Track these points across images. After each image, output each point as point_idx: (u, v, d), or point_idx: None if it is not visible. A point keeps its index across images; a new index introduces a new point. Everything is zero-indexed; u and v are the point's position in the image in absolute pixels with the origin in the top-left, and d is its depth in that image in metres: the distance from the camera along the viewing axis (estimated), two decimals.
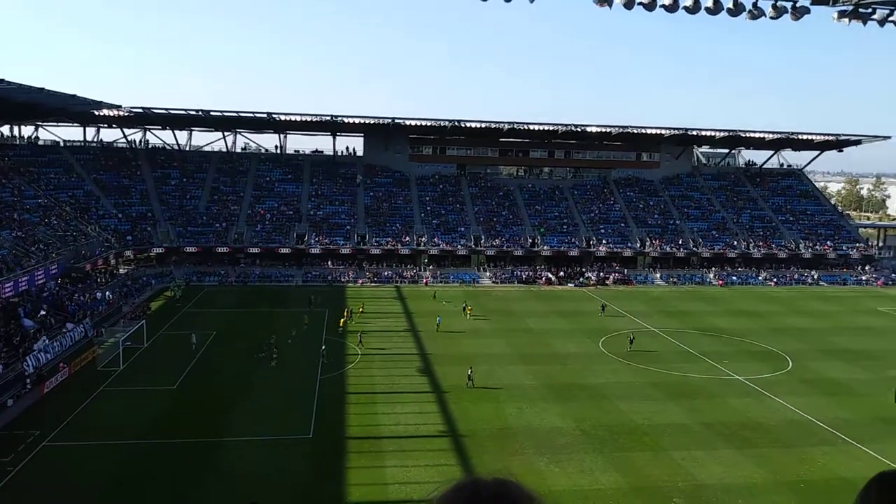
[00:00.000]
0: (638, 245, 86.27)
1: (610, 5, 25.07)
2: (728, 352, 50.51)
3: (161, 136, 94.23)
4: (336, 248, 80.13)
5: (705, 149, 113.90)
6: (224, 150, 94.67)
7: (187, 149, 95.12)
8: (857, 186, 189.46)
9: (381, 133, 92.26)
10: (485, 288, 75.13)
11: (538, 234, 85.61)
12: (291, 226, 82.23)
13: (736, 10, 24.75)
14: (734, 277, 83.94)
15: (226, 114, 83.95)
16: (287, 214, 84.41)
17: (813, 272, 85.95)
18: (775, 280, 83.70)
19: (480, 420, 35.40)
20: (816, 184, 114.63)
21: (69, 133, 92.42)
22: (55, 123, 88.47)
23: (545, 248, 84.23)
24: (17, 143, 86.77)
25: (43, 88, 57.79)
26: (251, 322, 56.51)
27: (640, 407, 37.93)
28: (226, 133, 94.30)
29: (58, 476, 28.31)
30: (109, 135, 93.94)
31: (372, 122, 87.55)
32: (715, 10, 24.81)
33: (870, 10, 24.85)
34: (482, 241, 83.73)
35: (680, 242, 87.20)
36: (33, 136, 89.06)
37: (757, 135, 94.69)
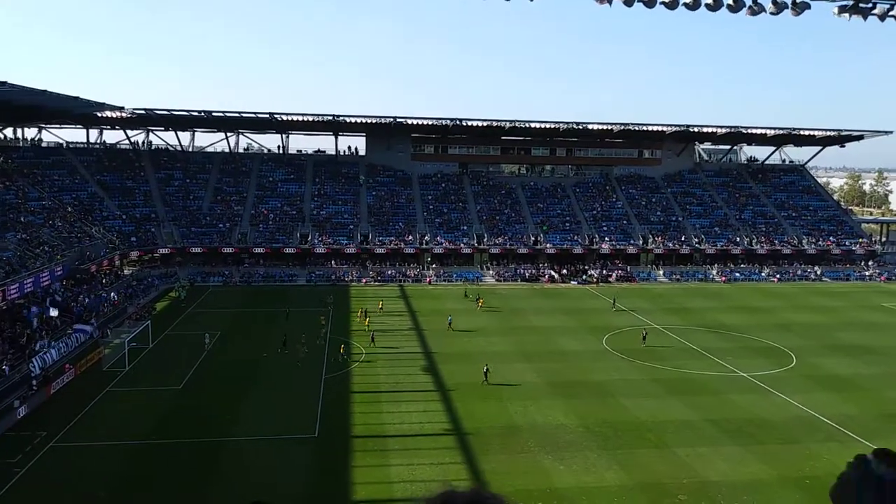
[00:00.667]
0: (640, 242, 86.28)
1: (610, 3, 25.08)
2: (732, 348, 50.55)
3: (164, 138, 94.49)
4: (340, 248, 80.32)
5: (707, 145, 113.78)
6: (227, 150, 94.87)
7: (190, 150, 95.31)
8: (860, 182, 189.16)
9: (384, 132, 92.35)
10: (488, 286, 75.20)
11: (541, 232, 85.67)
12: (295, 226, 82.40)
13: (736, 6, 24.73)
14: (737, 274, 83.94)
15: (228, 114, 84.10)
16: (290, 214, 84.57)
17: (816, 268, 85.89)
18: (778, 276, 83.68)
19: (485, 418, 35.49)
20: (819, 179, 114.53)
21: (72, 135, 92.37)
22: (58, 125, 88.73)
23: (548, 245, 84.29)
24: (21, 145, 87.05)
25: (46, 91, 57.99)
26: (256, 322, 56.66)
27: (644, 404, 37.99)
28: (228, 134, 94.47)
29: (65, 477, 28.46)
30: (112, 136, 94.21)
31: (374, 121, 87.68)
32: (715, 6, 24.82)
33: (870, 5, 24.82)
34: (485, 240, 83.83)
35: (682, 239, 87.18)
36: (37, 139, 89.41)
37: (758, 131, 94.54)
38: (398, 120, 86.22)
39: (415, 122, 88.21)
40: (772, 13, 25.09)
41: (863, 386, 42.17)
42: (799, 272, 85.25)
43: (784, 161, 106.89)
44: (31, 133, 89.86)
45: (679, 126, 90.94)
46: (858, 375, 44.29)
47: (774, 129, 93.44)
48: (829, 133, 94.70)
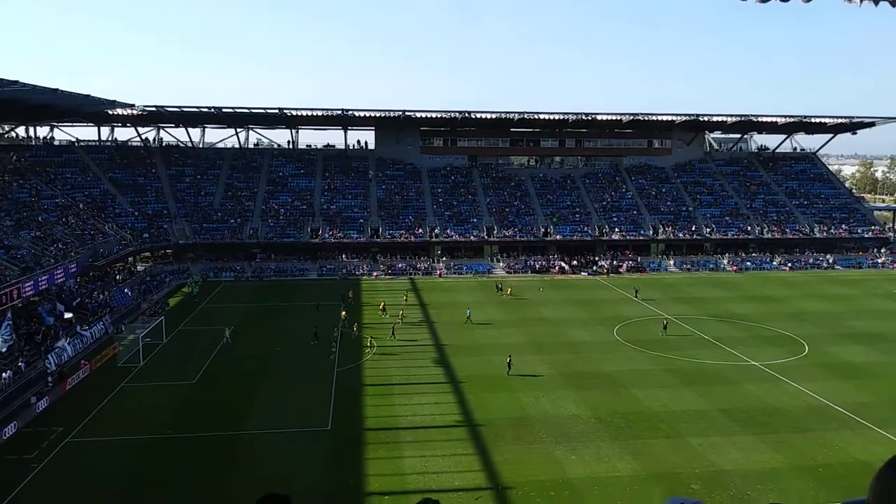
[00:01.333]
0: (651, 232, 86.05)
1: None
2: (743, 337, 50.44)
3: (175, 134, 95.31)
4: (350, 242, 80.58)
5: (717, 134, 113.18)
6: (237, 146, 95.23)
7: (201, 146, 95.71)
8: (872, 169, 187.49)
9: (392, 126, 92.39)
10: (498, 278, 75.21)
11: (550, 224, 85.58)
12: (305, 220, 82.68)
13: None
14: (748, 263, 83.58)
15: (238, 110, 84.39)
16: (301, 209, 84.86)
17: (828, 256, 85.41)
18: (790, 265, 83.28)
19: (497, 409, 35.63)
20: (830, 167, 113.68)
21: (84, 133, 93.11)
22: (70, 123, 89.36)
23: (557, 237, 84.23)
24: (34, 143, 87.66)
25: (57, 89, 58.42)
26: (269, 317, 56.94)
27: (656, 394, 38.02)
28: (238, 129, 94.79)
29: (81, 471, 28.81)
30: (124, 134, 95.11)
31: (383, 115, 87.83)
32: None
33: None
34: (495, 232, 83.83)
35: (693, 229, 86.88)
36: (49, 137, 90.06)
37: (769, 119, 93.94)
38: (407, 113, 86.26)
39: (423, 115, 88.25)
40: (781, 0, 24.92)
41: (876, 374, 42.02)
42: (811, 260, 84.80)
43: (795, 149, 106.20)
44: (43, 132, 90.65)
45: (689, 115, 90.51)
46: (871, 363, 44.12)
47: (785, 116, 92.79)
48: (840, 120, 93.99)
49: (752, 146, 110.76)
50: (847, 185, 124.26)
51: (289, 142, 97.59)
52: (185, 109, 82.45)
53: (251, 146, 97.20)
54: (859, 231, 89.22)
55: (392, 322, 53.13)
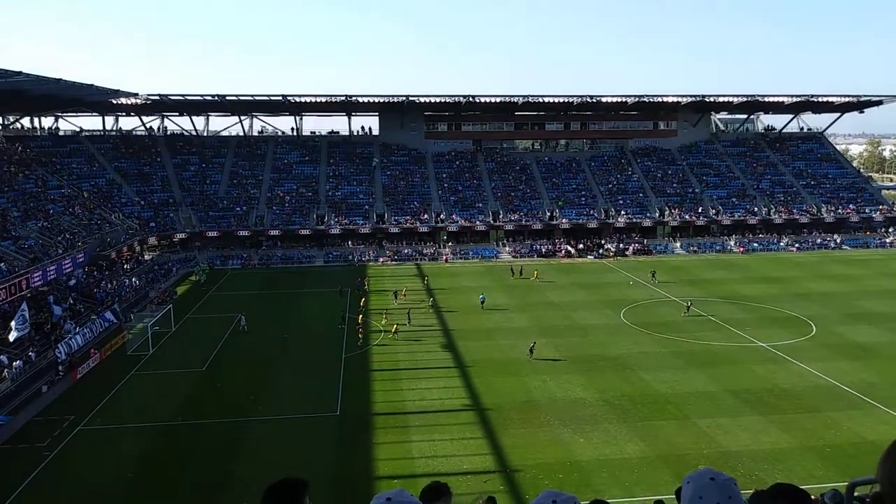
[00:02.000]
0: (657, 215, 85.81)
1: None
2: (751, 319, 50.37)
3: (179, 123, 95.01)
4: (355, 228, 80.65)
5: (723, 115, 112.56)
6: (241, 134, 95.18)
7: (205, 134, 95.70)
8: (880, 148, 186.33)
9: (396, 111, 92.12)
10: (505, 263, 75.22)
11: (556, 208, 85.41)
12: (311, 207, 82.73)
13: None
14: (755, 244, 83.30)
15: (241, 98, 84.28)
16: (306, 196, 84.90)
17: (835, 236, 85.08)
18: (797, 245, 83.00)
19: (504, 393, 35.75)
20: (837, 146, 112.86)
21: (88, 123, 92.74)
22: (74, 114, 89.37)
23: (564, 220, 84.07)
24: (39, 134, 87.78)
25: (60, 79, 58.39)
26: (276, 304, 57.14)
27: (663, 376, 38.07)
28: (242, 117, 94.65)
29: (93, 459, 29.08)
30: (128, 123, 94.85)
31: (386, 100, 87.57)
32: None
33: None
34: (500, 217, 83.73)
35: (699, 211, 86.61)
36: (54, 127, 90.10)
37: (776, 99, 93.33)
38: (411, 98, 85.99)
39: (427, 100, 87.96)
40: None
41: (884, 353, 41.92)
42: (818, 241, 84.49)
43: (802, 129, 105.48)
44: (47, 122, 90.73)
45: (694, 96, 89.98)
46: (879, 343, 44.02)
47: (792, 96, 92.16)
48: (848, 99, 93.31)
49: (759, 126, 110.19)
50: (854, 164, 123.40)
51: (293, 129, 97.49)
52: (188, 97, 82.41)
53: (255, 134, 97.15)
54: (867, 211, 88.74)
55: (407, 304, 53.69)
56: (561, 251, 79.80)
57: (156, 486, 26.72)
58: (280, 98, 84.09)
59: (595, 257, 78.53)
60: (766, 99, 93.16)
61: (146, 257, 73.05)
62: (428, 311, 53.35)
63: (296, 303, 57.41)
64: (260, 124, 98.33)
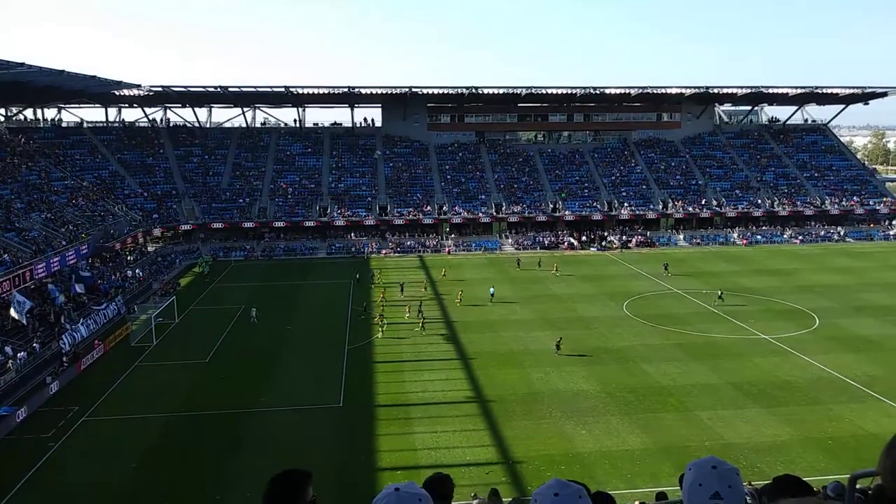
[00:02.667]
0: (660, 207, 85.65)
1: None
2: (754, 311, 50.34)
3: (182, 115, 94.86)
4: (358, 220, 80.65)
5: (727, 107, 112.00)
6: (244, 125, 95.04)
7: (208, 126, 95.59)
8: (884, 140, 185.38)
9: (399, 103, 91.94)
10: (508, 255, 75.22)
11: (559, 199, 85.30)
12: (314, 199, 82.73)
13: None
14: (759, 236, 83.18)
15: (244, 89, 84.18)
16: (309, 188, 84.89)
17: (839, 228, 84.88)
18: (801, 238, 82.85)
19: (507, 385, 35.82)
20: (842, 138, 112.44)
21: (91, 114, 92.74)
22: (77, 105, 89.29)
23: (567, 212, 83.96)
24: (42, 125, 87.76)
25: (63, 70, 58.41)
26: (279, 295, 57.22)
27: (665, 368, 38.10)
28: (245, 109, 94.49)
29: (97, 450, 29.21)
30: (131, 114, 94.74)
31: (389, 92, 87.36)
32: None
33: None
34: (503, 209, 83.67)
35: (703, 203, 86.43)
36: (57, 119, 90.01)
37: (780, 90, 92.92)
38: (413, 90, 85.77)
39: (430, 91, 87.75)
40: None
41: (887, 346, 41.86)
42: (822, 233, 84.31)
43: (806, 120, 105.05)
44: (50, 114, 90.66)
45: (698, 88, 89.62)
46: (883, 336, 43.96)
47: (796, 87, 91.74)
48: (852, 91, 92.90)
49: (763, 118, 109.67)
50: (859, 156, 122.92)
51: (295, 120, 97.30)
52: (191, 89, 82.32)
53: (258, 125, 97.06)
54: (871, 203, 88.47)
55: (418, 297, 54.13)
56: (564, 243, 79.75)
57: (159, 477, 26.84)
58: (283, 89, 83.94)
59: (598, 249, 78.48)
60: (770, 90, 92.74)
61: (150, 249, 73.17)
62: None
63: (299, 294, 57.52)
64: (263, 116, 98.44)
